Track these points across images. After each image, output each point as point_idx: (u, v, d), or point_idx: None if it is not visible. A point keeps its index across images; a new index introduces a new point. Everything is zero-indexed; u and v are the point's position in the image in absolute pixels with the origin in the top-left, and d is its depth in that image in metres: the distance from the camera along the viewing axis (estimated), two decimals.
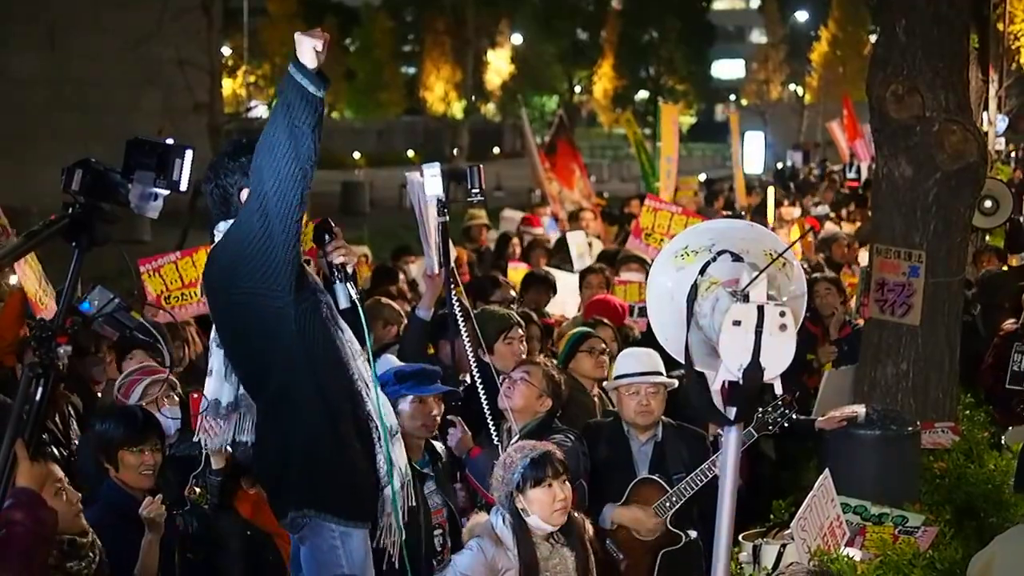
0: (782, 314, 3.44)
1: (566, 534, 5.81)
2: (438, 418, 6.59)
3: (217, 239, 5.29)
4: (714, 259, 3.79)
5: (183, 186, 4.09)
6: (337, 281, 5.37)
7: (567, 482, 5.82)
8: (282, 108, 4.86)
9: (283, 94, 4.86)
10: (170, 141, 4.11)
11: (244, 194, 5.14)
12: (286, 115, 4.84)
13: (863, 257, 13.10)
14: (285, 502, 5.35)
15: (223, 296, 5.25)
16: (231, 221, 5.20)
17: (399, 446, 5.49)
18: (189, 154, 4.13)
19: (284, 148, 4.85)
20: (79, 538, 5.31)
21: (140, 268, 8.45)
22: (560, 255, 14.87)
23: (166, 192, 4.11)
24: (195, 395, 6.12)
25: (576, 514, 5.92)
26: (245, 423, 5.46)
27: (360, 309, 5.38)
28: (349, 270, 5.42)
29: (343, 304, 5.35)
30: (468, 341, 7.09)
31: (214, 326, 5.49)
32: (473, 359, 7.04)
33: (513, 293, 10.37)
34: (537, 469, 5.74)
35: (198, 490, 6.22)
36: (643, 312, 10.50)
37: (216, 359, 5.43)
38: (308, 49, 4.87)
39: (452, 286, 7.15)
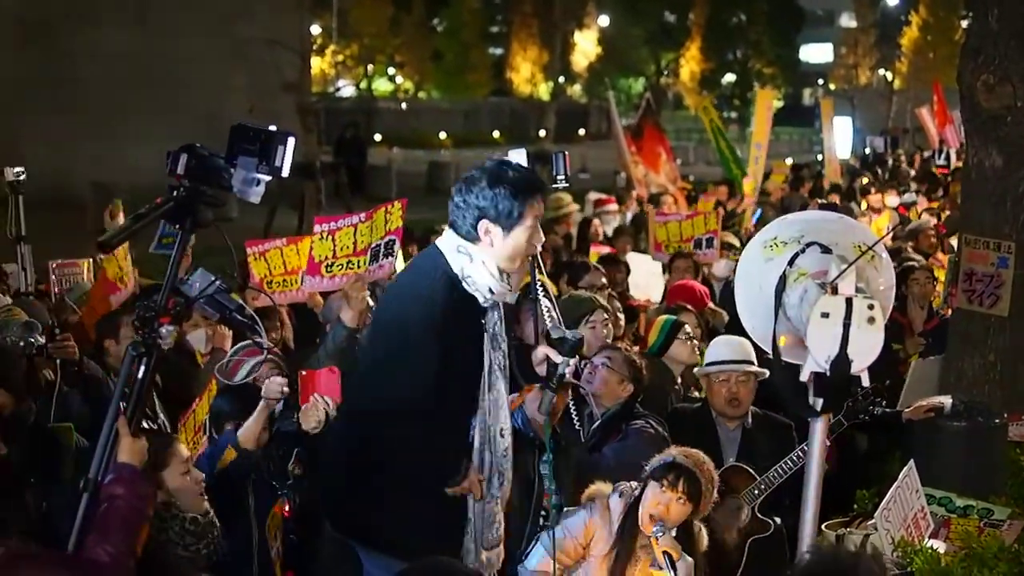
0: (870, 307, 3.46)
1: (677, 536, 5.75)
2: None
3: (441, 240, 5.31)
4: (803, 250, 3.81)
5: (285, 172, 4.18)
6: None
7: (686, 504, 5.72)
8: None
9: None
10: (273, 128, 4.20)
11: (483, 225, 5.15)
12: None
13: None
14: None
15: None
16: (458, 241, 5.22)
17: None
18: (291, 141, 4.22)
19: None
20: (200, 517, 5.50)
21: (247, 250, 8.60)
22: (631, 239, 14.99)
23: (268, 177, 4.20)
24: (303, 373, 6.26)
25: (696, 523, 5.85)
26: None
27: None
28: None
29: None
30: (551, 325, 7.13)
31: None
32: None
33: (603, 280, 10.42)
34: (667, 471, 5.72)
35: (300, 464, 6.35)
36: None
37: None
38: None
39: (536, 270, 7.19)
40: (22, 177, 9.77)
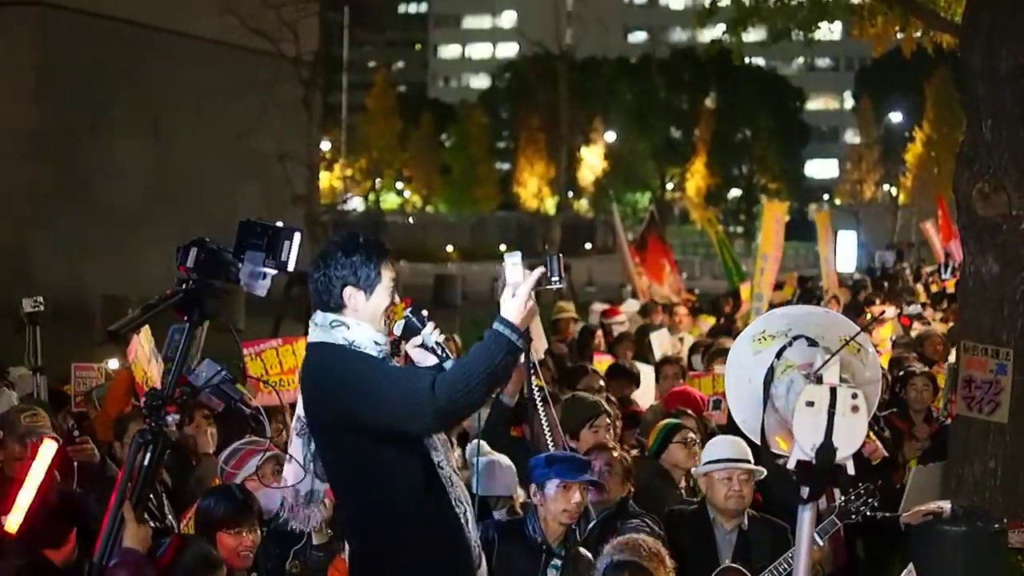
0: (854, 396, 3.56)
1: None
2: (580, 506, 6.59)
3: (313, 333, 5.26)
4: (790, 343, 3.91)
5: (291, 266, 4.35)
6: (447, 359, 5.46)
7: None
8: (484, 351, 5.02)
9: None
10: (279, 224, 4.36)
11: (347, 292, 5.16)
12: (487, 357, 4.99)
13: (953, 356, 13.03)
14: None
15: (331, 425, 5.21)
16: (330, 317, 5.18)
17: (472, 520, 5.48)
18: (297, 236, 4.40)
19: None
20: None
21: (244, 350, 8.63)
22: (631, 344, 14.98)
23: (274, 271, 4.36)
24: None
25: None
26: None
27: None
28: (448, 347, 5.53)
29: None
30: (548, 427, 7.20)
31: (297, 415, 5.47)
32: (552, 444, 7.14)
33: (601, 383, 10.50)
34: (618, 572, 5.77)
35: (298, 563, 6.36)
36: (717, 405, 10.75)
37: (297, 447, 5.40)
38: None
39: (531, 372, 7.25)
40: (40, 308, 9.86)
